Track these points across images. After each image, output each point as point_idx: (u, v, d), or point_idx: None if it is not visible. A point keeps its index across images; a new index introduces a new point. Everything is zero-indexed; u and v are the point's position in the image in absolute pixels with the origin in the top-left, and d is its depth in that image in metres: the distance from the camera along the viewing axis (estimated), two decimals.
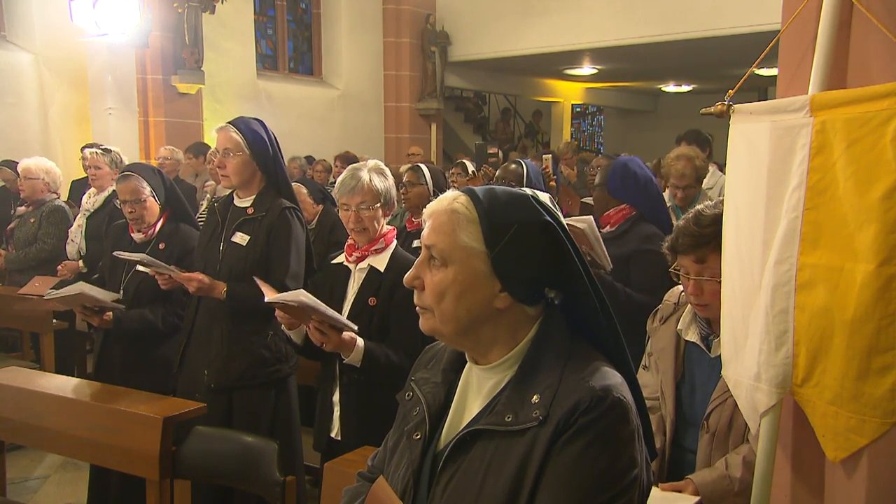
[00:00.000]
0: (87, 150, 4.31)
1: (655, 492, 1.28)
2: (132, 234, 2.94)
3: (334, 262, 2.43)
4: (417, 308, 1.15)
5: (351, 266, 2.35)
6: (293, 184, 4.03)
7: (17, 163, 4.68)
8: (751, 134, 1.51)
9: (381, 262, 2.30)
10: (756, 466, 1.56)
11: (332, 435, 2.31)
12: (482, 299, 1.09)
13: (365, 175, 2.30)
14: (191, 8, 6.87)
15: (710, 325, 1.81)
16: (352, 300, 2.30)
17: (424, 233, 1.14)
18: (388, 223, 2.43)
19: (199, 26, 7.05)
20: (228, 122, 2.61)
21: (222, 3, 7.15)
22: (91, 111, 6.88)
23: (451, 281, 1.09)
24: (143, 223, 2.91)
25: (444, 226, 1.10)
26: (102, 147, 4.15)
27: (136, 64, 6.98)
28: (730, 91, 1.59)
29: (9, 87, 6.57)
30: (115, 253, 2.75)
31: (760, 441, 1.53)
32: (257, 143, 2.56)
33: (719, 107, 1.56)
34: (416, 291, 1.15)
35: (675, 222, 3.30)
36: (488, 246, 1.08)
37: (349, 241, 2.38)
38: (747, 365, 1.52)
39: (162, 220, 2.93)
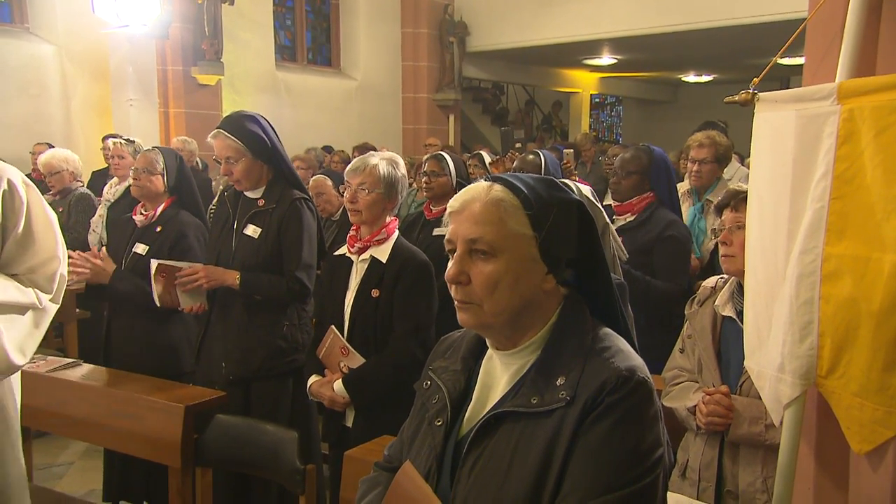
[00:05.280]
0: (109, 140, 4.37)
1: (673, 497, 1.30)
2: (134, 217, 2.96)
3: (336, 253, 2.42)
4: (458, 303, 1.13)
5: (353, 257, 2.34)
6: (318, 175, 4.08)
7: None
8: (776, 123, 1.50)
9: (383, 252, 2.29)
10: (779, 458, 1.55)
11: (346, 424, 2.32)
12: (533, 284, 1.10)
13: (373, 160, 2.31)
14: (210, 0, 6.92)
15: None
16: (354, 292, 2.30)
17: (460, 227, 1.11)
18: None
19: (219, 17, 7.09)
20: (220, 128, 2.57)
21: None
22: (112, 102, 6.95)
23: (504, 270, 1.09)
24: (144, 196, 2.91)
25: (488, 216, 1.09)
26: (125, 137, 4.19)
27: (157, 55, 7.03)
28: (754, 79, 1.57)
29: (32, 79, 6.66)
30: (152, 260, 2.73)
31: (784, 432, 1.53)
32: (255, 141, 2.53)
33: (744, 95, 1.55)
34: (458, 287, 1.12)
35: (688, 209, 3.29)
36: (535, 229, 1.09)
37: (351, 233, 2.37)
38: (771, 356, 1.51)
39: (165, 204, 2.93)
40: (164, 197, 2.94)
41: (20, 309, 1.66)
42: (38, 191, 1.76)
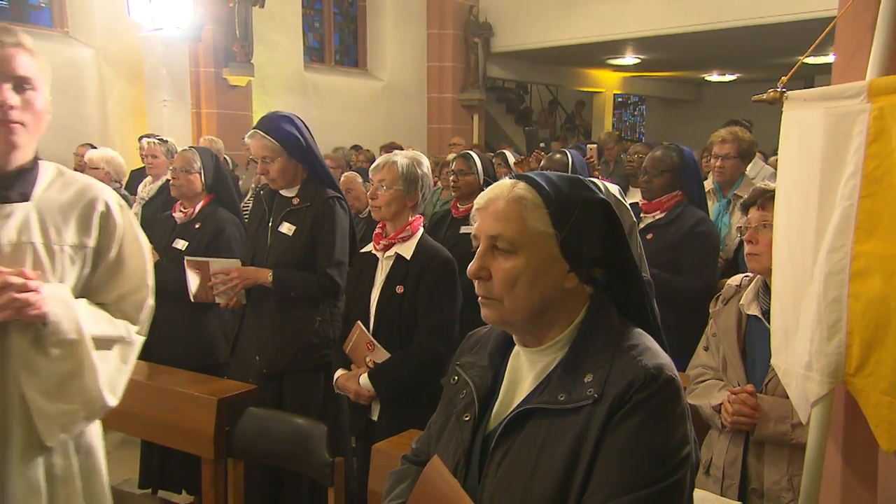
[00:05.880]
0: (144, 140, 4.47)
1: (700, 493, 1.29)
2: (174, 215, 3.05)
3: (363, 250, 2.47)
4: (481, 299, 1.15)
5: (378, 254, 2.37)
6: (350, 172, 4.14)
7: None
8: (804, 121, 1.49)
9: (407, 249, 2.33)
10: (806, 456, 1.55)
11: (372, 418, 2.35)
12: (553, 282, 1.11)
13: (394, 158, 2.35)
14: (242, 2, 7.04)
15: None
16: (380, 288, 2.34)
17: (483, 224, 1.13)
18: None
19: (250, 20, 7.22)
20: (256, 128, 2.62)
21: None
22: (147, 103, 7.09)
23: (523, 267, 1.09)
24: (183, 195, 3.00)
25: (509, 213, 1.10)
26: (159, 137, 4.29)
27: (190, 57, 7.17)
28: (783, 78, 1.57)
29: (71, 81, 6.80)
30: (186, 258, 2.80)
31: (811, 431, 1.52)
32: (290, 142, 2.58)
33: (772, 94, 1.55)
34: (479, 283, 1.14)
35: (712, 206, 3.28)
36: (556, 228, 1.10)
37: (377, 230, 2.41)
38: (798, 354, 1.51)
39: (203, 202, 3.02)
40: (203, 195, 3.03)
41: (109, 343, 1.51)
42: (131, 214, 1.65)
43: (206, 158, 3.05)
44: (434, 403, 1.34)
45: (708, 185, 3.41)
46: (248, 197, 4.60)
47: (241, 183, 5.26)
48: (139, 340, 1.61)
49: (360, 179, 3.98)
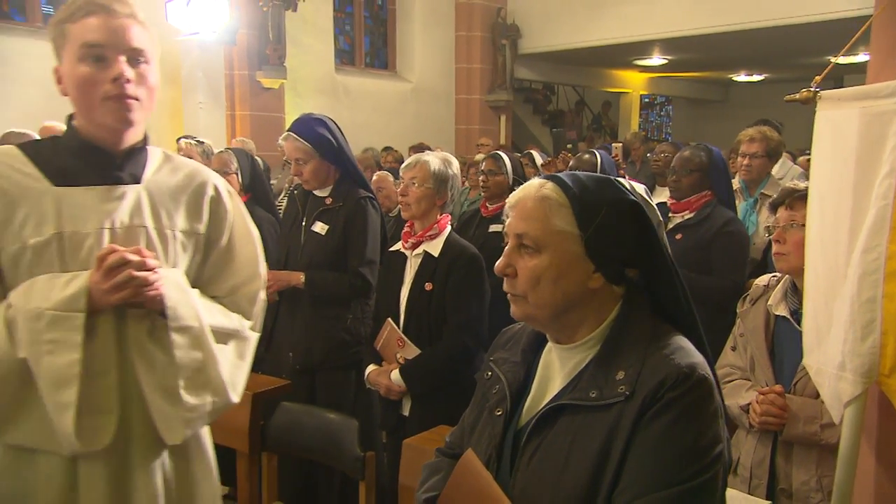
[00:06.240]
0: (182, 141, 4.57)
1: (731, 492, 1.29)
2: None
3: (392, 249, 2.50)
4: (509, 296, 1.16)
5: (407, 252, 2.41)
6: (381, 172, 4.19)
7: None
8: (838, 121, 1.49)
9: (435, 247, 2.36)
10: (839, 456, 1.54)
11: (403, 413, 2.38)
12: (577, 281, 1.11)
13: (426, 157, 2.39)
14: (275, 6, 7.12)
15: (800, 300, 1.83)
16: (409, 286, 2.37)
17: (512, 222, 1.16)
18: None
19: (283, 24, 7.30)
20: (290, 131, 2.65)
21: (304, 1, 7.38)
22: (184, 105, 7.21)
23: (546, 266, 1.11)
24: None
25: (535, 212, 1.12)
26: (196, 139, 4.40)
27: (225, 60, 7.29)
28: (816, 77, 1.56)
29: None
30: None
31: (844, 431, 1.51)
32: (323, 143, 2.62)
33: (805, 93, 1.54)
34: (507, 279, 1.16)
35: (739, 205, 3.25)
36: (581, 228, 1.10)
37: (405, 229, 2.44)
38: (831, 354, 1.50)
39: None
40: (240, 195, 3.08)
41: (225, 336, 1.39)
42: (240, 200, 1.55)
43: (243, 159, 3.13)
44: (464, 398, 1.35)
45: (734, 184, 3.40)
46: (281, 196, 4.68)
47: (274, 183, 5.34)
48: (254, 336, 1.49)
49: (391, 179, 4.02)
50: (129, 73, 1.26)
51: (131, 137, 1.33)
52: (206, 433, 1.47)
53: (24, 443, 1.25)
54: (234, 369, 1.40)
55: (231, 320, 1.43)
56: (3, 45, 5.54)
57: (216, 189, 1.46)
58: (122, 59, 1.26)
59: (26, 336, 1.20)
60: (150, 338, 1.30)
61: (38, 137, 4.02)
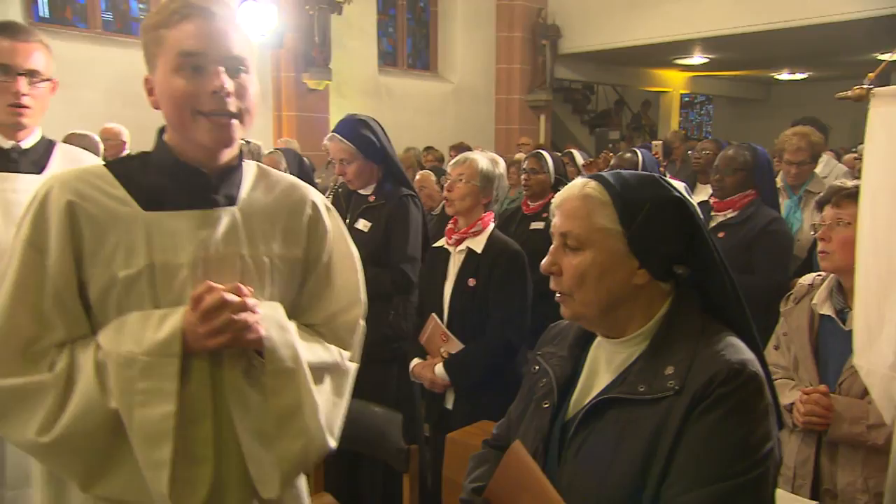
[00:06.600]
0: None
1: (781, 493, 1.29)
2: None
3: (435, 245, 2.55)
4: (557, 296, 1.17)
5: (451, 249, 2.45)
6: (424, 171, 4.27)
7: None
8: (891, 118, 1.46)
9: (478, 244, 2.39)
10: (892, 456, 1.52)
11: (447, 406, 2.42)
12: (622, 278, 1.12)
13: (474, 156, 2.44)
14: (320, 10, 7.28)
15: (846, 299, 1.83)
16: (453, 282, 2.40)
17: (556, 221, 1.17)
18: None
19: (328, 27, 7.45)
20: (334, 132, 2.69)
21: (349, 4, 7.54)
22: None
23: (590, 263, 1.12)
24: None
25: (578, 211, 1.13)
26: (244, 139, 4.56)
27: (272, 63, 7.48)
28: (869, 75, 1.54)
29: None
30: None
31: None
32: (366, 144, 2.65)
33: (858, 91, 1.52)
34: (553, 278, 1.17)
35: (783, 203, 3.25)
36: (624, 225, 1.11)
37: (449, 225, 2.48)
38: (883, 354, 1.48)
39: None
40: None
41: (323, 372, 1.28)
42: (340, 217, 1.41)
43: (291, 158, 3.23)
44: (507, 394, 1.39)
45: (777, 181, 3.41)
46: (326, 195, 4.82)
47: (319, 182, 5.51)
48: (353, 368, 1.37)
49: (433, 178, 4.07)
50: (228, 84, 1.13)
51: (227, 155, 1.21)
52: (303, 485, 1.36)
53: (115, 496, 1.15)
54: (333, 408, 1.29)
55: (330, 353, 1.31)
56: (68, 51, 5.81)
57: (314, 206, 1.32)
58: (222, 69, 1.13)
59: (118, 385, 1.10)
60: (245, 378, 1.19)
61: (98, 139, 4.25)
